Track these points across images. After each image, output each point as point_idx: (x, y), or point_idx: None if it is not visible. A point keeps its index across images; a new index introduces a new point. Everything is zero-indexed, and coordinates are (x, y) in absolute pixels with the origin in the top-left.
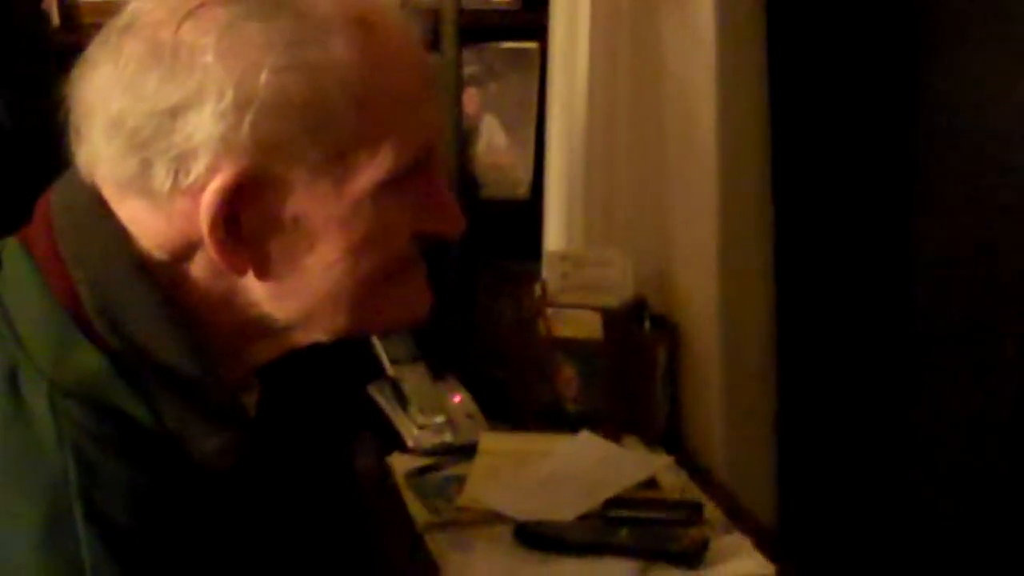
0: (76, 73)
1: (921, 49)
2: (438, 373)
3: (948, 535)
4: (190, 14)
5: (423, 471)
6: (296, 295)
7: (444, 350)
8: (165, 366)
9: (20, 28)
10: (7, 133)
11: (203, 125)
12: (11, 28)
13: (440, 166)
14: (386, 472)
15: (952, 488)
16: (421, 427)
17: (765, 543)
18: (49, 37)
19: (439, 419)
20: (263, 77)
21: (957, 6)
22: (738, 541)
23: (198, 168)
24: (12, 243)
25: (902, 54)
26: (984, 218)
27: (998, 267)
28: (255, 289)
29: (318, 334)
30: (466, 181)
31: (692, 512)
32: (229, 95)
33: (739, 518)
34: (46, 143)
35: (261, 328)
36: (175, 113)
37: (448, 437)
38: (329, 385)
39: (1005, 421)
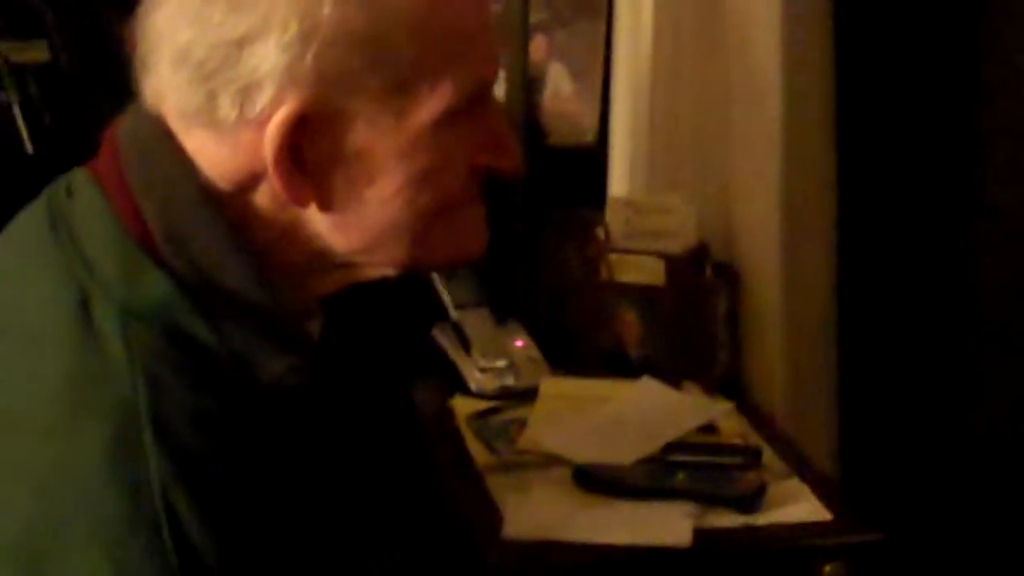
0: (143, 6)
1: (996, 16)
2: (501, 318)
3: (1006, 487)
4: None
5: (484, 414)
6: (356, 227)
7: (508, 295)
8: (231, 291)
9: None
10: (68, 77)
11: (268, 57)
12: None
13: (496, 102)
14: (448, 413)
15: (1011, 442)
16: (483, 370)
17: (823, 490)
18: None
19: (501, 363)
20: (326, 9)
21: None
22: (796, 487)
23: (263, 99)
24: (81, 173)
25: (975, 13)
26: None
27: None
28: (317, 221)
29: (378, 269)
30: (532, 128)
31: (751, 457)
32: (293, 27)
33: (798, 465)
34: (105, 83)
35: (322, 260)
36: (241, 44)
37: (510, 381)
38: (391, 322)
39: None
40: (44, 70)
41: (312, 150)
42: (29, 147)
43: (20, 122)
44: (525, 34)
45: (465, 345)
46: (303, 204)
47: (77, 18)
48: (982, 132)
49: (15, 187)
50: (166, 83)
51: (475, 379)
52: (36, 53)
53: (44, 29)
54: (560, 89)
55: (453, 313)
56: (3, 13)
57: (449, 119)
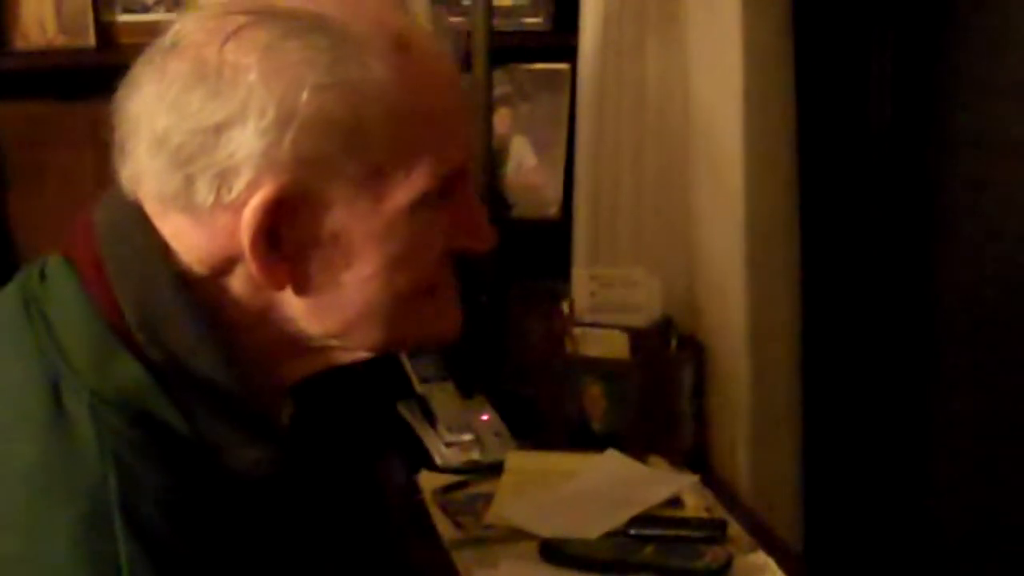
0: (121, 92)
1: (940, 58)
2: (466, 391)
3: (975, 561)
4: (233, 34)
5: (450, 488)
6: (332, 310)
7: (473, 368)
8: (203, 378)
9: None
10: None
11: (246, 142)
12: None
13: (472, 184)
14: (414, 489)
15: (981, 519)
16: (449, 445)
17: (789, 563)
18: None
19: (467, 437)
20: (304, 95)
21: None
22: (762, 560)
23: (240, 184)
24: (55, 257)
25: (922, 68)
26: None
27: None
28: (292, 304)
29: (352, 353)
30: (496, 200)
31: (716, 530)
32: (271, 113)
33: (763, 537)
34: None
35: (296, 344)
36: (219, 130)
37: (476, 455)
38: (359, 402)
39: None
40: None
41: (289, 233)
42: None
43: None
44: (489, 107)
45: (430, 419)
46: (279, 287)
47: None
48: (939, 193)
49: None
50: (143, 168)
51: (441, 453)
52: None
53: None
54: (523, 162)
55: (418, 387)
56: None
57: (425, 202)
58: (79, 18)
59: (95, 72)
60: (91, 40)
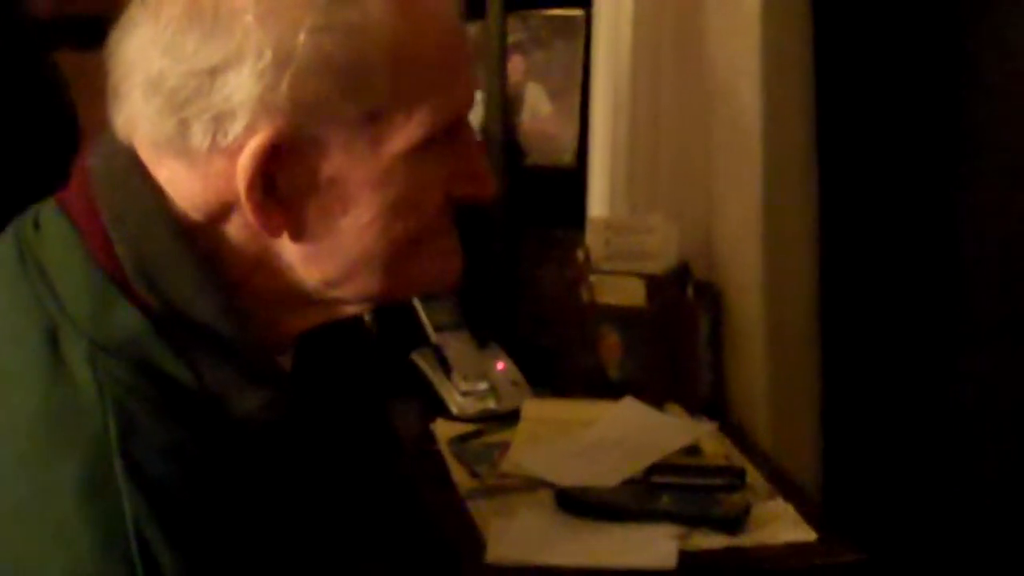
0: (114, 34)
1: (968, 27)
2: (482, 340)
3: (992, 506)
4: None
5: (466, 437)
6: (330, 257)
7: (488, 317)
8: (202, 325)
9: None
10: None
11: (242, 85)
12: None
13: (472, 130)
14: (429, 438)
15: (996, 457)
16: (464, 394)
17: (808, 510)
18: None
19: (482, 386)
20: (301, 37)
21: None
22: (780, 507)
23: (236, 128)
24: (49, 205)
25: (949, 29)
26: None
27: None
28: (289, 251)
29: (352, 305)
30: (511, 148)
31: (734, 478)
32: (268, 55)
33: (782, 485)
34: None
35: (295, 293)
36: (214, 73)
37: (491, 404)
38: (369, 349)
39: None
40: None
41: (285, 179)
42: None
43: None
44: (503, 55)
45: (446, 368)
46: (276, 234)
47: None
48: (958, 158)
49: None
50: (138, 112)
51: (456, 403)
52: None
53: None
54: (538, 110)
55: (433, 336)
56: None
57: (424, 148)
58: None
59: (111, 21)
60: None
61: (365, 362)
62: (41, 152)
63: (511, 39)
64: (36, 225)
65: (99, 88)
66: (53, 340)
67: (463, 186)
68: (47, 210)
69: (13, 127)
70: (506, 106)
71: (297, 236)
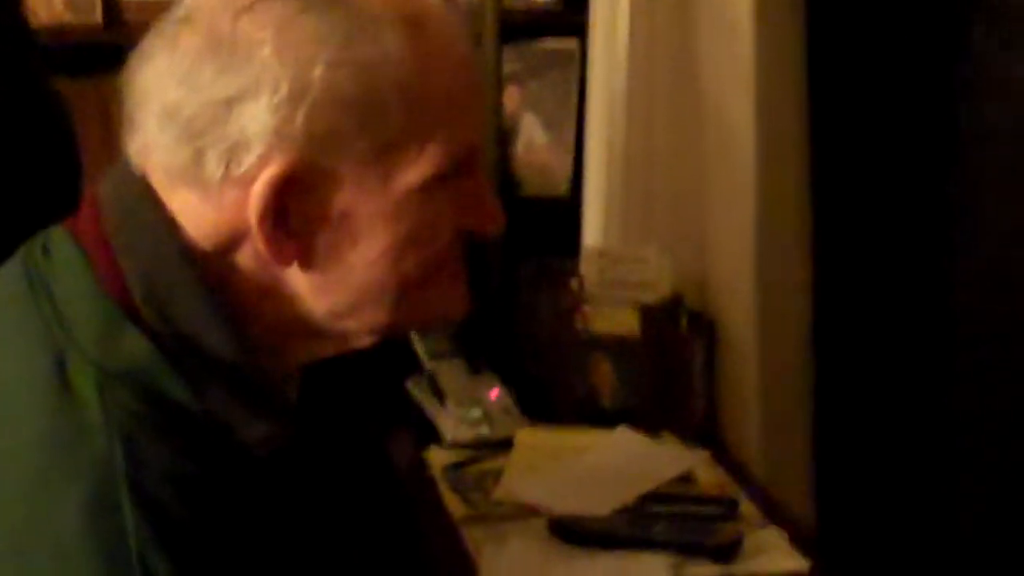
0: (132, 64)
1: (959, 46)
2: (475, 368)
3: (985, 536)
4: (248, 8)
5: (459, 465)
6: (338, 289)
7: (482, 345)
8: (210, 354)
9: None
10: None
11: (257, 116)
12: None
13: (482, 166)
14: (423, 465)
15: (990, 490)
16: (458, 422)
17: (801, 539)
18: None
19: (476, 413)
20: (317, 71)
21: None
22: (773, 537)
23: (250, 159)
24: (59, 231)
25: (940, 51)
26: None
27: None
28: (299, 282)
29: (358, 338)
30: (506, 179)
31: (728, 507)
32: (284, 88)
33: (775, 514)
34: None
35: (302, 324)
36: (230, 104)
37: (485, 431)
38: (366, 378)
39: None
40: None
41: (297, 210)
42: None
43: None
44: (499, 85)
45: (439, 396)
46: (286, 264)
47: (4, 45)
48: (960, 174)
49: None
50: (152, 141)
51: (449, 430)
52: None
53: None
54: (533, 140)
55: (427, 363)
56: None
57: (435, 183)
58: None
59: (101, 49)
60: (98, 18)
61: (364, 392)
62: (44, 178)
63: (507, 69)
64: (45, 250)
65: (98, 115)
66: (60, 366)
67: (472, 221)
68: (57, 236)
69: (17, 152)
70: (501, 136)
71: (307, 267)
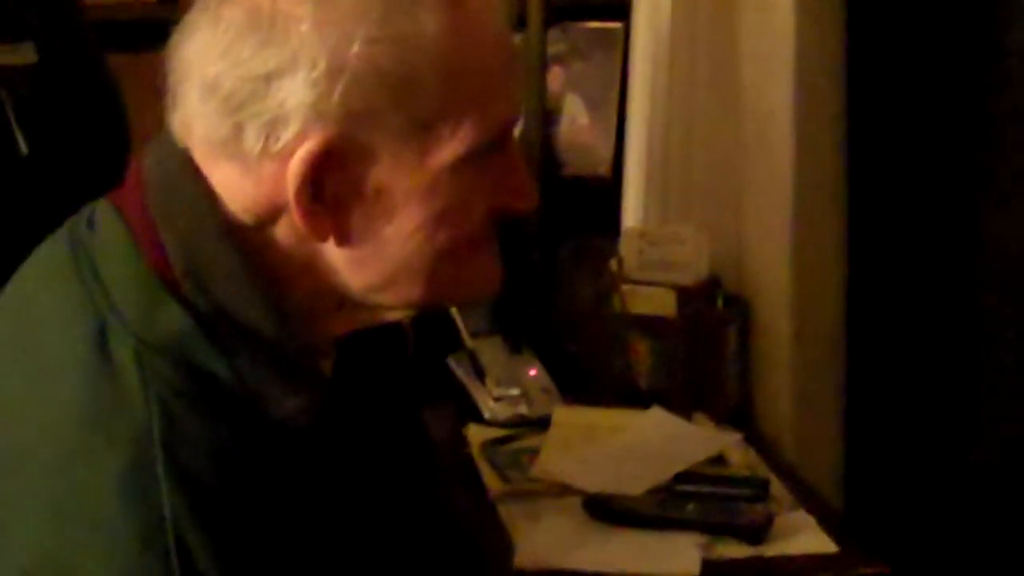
0: (175, 38)
1: (997, 39)
2: (515, 346)
3: (1013, 521)
4: None
5: (498, 442)
6: (373, 264)
7: (522, 324)
8: (247, 327)
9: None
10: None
11: (295, 92)
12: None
13: (516, 144)
14: (462, 442)
15: (1015, 477)
16: (497, 399)
17: (829, 523)
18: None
19: (514, 391)
20: (355, 47)
21: None
22: (803, 519)
23: (288, 133)
24: (104, 204)
25: (978, 43)
26: None
27: None
28: (334, 256)
29: (393, 311)
30: (548, 158)
31: (758, 489)
32: (322, 64)
33: (805, 497)
34: (87, 81)
35: (338, 297)
36: (269, 79)
37: (523, 409)
38: (404, 354)
39: None
40: (32, 71)
41: (333, 185)
42: (24, 147)
43: (13, 122)
44: (543, 65)
45: (479, 374)
46: (322, 238)
47: (60, 20)
48: (986, 174)
49: (11, 187)
50: (194, 114)
51: (489, 407)
52: (24, 55)
53: (31, 31)
54: (576, 120)
55: (468, 342)
56: None
57: (470, 160)
58: None
59: (156, 25)
60: None
61: (402, 367)
62: (95, 152)
63: (551, 50)
64: (90, 223)
65: (151, 89)
66: (102, 336)
67: (506, 198)
68: (101, 209)
69: (70, 127)
70: (545, 116)
71: (342, 241)
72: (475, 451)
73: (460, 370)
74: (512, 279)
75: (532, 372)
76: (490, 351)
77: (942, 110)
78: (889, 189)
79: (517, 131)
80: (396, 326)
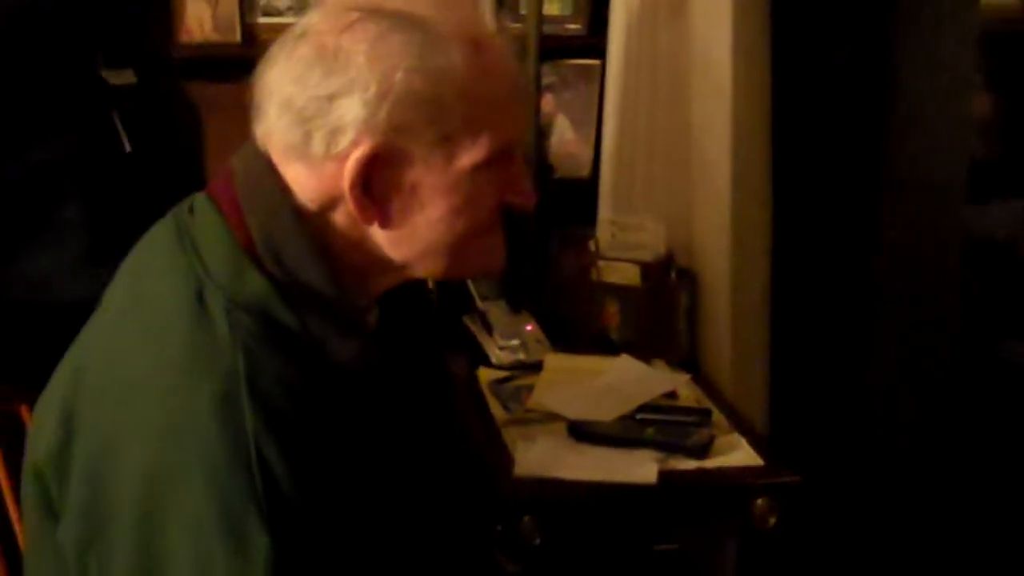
0: (259, 68)
1: (896, 43)
2: (516, 308)
3: (896, 445)
4: (349, 27)
5: (502, 381)
6: (408, 243)
7: (521, 291)
8: (312, 289)
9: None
10: (148, 95)
11: (352, 109)
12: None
13: (521, 154)
14: (475, 381)
15: (899, 397)
16: (501, 348)
17: (757, 442)
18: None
19: (515, 342)
20: (398, 76)
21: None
22: (736, 440)
23: (345, 140)
24: (202, 196)
25: (873, 59)
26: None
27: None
28: (378, 236)
29: (422, 273)
30: (542, 164)
31: (702, 417)
32: (373, 88)
33: (738, 423)
34: (172, 98)
35: (381, 266)
36: (332, 98)
37: (521, 356)
38: (429, 312)
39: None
40: (132, 90)
41: (378, 182)
42: (127, 146)
43: (120, 127)
44: (538, 93)
45: (488, 329)
46: (369, 223)
47: (152, 54)
48: (881, 172)
49: (119, 174)
50: (272, 125)
51: (495, 355)
52: (126, 78)
53: (131, 61)
54: (564, 135)
55: (479, 304)
56: (103, 50)
57: (484, 166)
58: (229, 20)
59: (240, 62)
60: (237, 37)
61: (427, 323)
62: (176, 150)
63: (545, 81)
64: (191, 210)
65: (234, 112)
66: (200, 295)
67: (512, 196)
68: (199, 199)
69: (159, 132)
70: (539, 132)
71: (385, 225)
72: (484, 388)
73: (473, 326)
74: (514, 257)
75: (529, 327)
76: (496, 311)
77: (846, 123)
78: (805, 186)
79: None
80: (423, 291)
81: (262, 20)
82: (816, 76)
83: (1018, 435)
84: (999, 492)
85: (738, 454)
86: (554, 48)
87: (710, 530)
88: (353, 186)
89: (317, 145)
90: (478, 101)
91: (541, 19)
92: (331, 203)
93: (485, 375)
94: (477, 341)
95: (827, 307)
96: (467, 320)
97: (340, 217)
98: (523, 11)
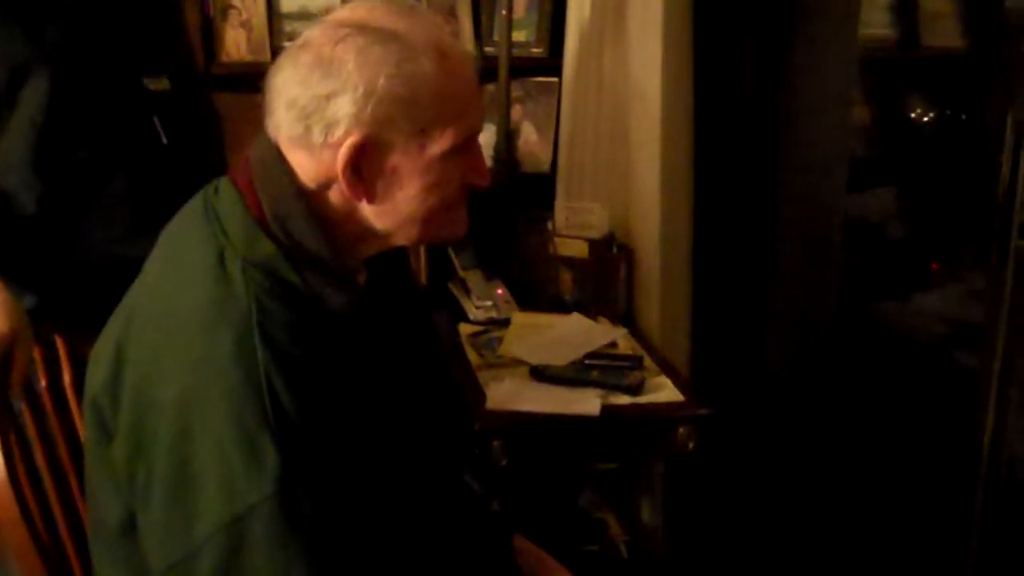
0: (269, 72)
1: (787, 55)
2: (490, 275)
3: (791, 378)
4: (342, 39)
5: (478, 334)
6: (390, 215)
7: (494, 262)
8: (312, 253)
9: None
10: (181, 98)
11: (344, 106)
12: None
13: (479, 143)
14: (456, 334)
15: (792, 347)
16: (478, 308)
17: (680, 383)
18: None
19: (488, 303)
20: (381, 80)
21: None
22: (663, 381)
23: (338, 132)
24: (225, 179)
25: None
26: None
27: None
28: (366, 210)
29: (401, 240)
30: (511, 161)
31: (636, 362)
32: (360, 89)
33: (665, 367)
34: (198, 102)
35: (369, 233)
36: (328, 98)
37: (494, 314)
38: (412, 279)
39: (828, 305)
40: (167, 93)
41: (366, 166)
42: (164, 139)
43: (158, 124)
44: (508, 104)
45: (467, 292)
46: (358, 199)
47: (182, 64)
48: (779, 158)
49: (157, 162)
50: (280, 119)
51: (473, 313)
52: (162, 84)
53: (166, 69)
54: (528, 138)
55: (460, 272)
56: (143, 61)
57: (451, 153)
58: (260, 43)
59: (257, 75)
60: (268, 57)
61: (410, 286)
62: (203, 144)
63: (513, 95)
64: (216, 190)
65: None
66: (221, 257)
67: (472, 177)
68: (223, 181)
69: (188, 128)
70: (509, 136)
71: (371, 201)
72: (463, 339)
73: (455, 290)
74: (489, 235)
75: (500, 291)
76: (474, 278)
77: (752, 126)
78: (719, 178)
79: (492, 146)
80: (405, 262)
81: (287, 44)
82: (728, 90)
83: (884, 375)
84: (870, 419)
85: (665, 392)
86: (521, 68)
87: (643, 452)
88: (345, 169)
89: (316, 136)
90: (446, 98)
91: (511, 44)
92: (327, 183)
93: (464, 329)
94: (458, 302)
95: (736, 274)
96: (450, 285)
97: (334, 195)
98: (496, 38)
